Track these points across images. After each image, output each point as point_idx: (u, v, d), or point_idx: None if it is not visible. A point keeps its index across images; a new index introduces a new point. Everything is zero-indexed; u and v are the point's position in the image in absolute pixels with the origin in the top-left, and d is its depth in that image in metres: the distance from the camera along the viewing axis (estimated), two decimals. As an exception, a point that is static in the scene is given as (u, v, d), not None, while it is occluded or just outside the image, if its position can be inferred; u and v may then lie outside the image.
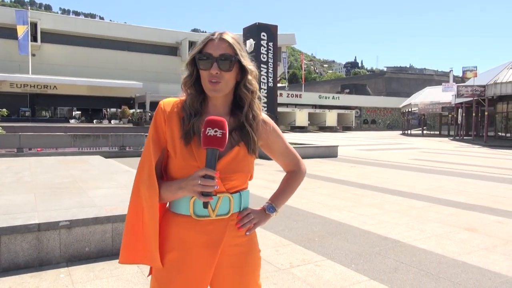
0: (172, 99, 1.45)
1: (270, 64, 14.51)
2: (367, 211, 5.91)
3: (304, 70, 71.89)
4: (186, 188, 1.29)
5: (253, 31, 14.50)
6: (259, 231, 4.83)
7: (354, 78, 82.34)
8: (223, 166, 1.35)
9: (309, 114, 46.95)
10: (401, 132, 44.26)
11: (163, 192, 1.36)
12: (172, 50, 45.78)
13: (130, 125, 29.82)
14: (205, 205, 1.30)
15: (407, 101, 43.79)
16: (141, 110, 34.78)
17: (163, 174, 1.43)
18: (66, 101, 37.31)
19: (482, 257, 3.97)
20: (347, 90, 61.49)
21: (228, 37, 1.38)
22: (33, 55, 35.25)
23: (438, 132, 41.22)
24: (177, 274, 1.37)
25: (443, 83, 37.42)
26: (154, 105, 35.92)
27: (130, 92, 36.62)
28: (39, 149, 13.04)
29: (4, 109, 16.83)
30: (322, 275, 3.45)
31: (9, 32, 35.28)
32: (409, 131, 41.15)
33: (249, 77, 1.41)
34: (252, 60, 1.45)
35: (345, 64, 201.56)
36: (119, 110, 36.68)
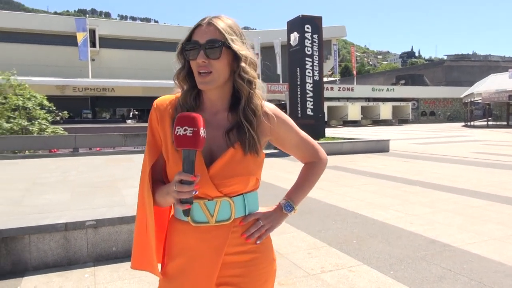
0: (167, 96, 1.32)
1: (316, 57, 14.06)
2: (416, 210, 5.42)
3: (357, 63, 69.78)
4: (170, 194, 1.14)
5: (296, 24, 14.13)
6: (292, 231, 4.59)
7: (410, 69, 78.32)
8: (217, 171, 1.20)
9: (362, 107, 45.42)
10: (463, 124, 41.43)
11: (157, 197, 1.25)
12: (221, 48, 46.36)
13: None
14: (185, 212, 1.16)
15: (469, 90, 40.86)
16: (193, 109, 35.59)
17: (164, 178, 1.30)
18: (123, 102, 39.23)
19: (549, 265, 3.41)
20: (403, 81, 58.69)
21: (218, 21, 1.20)
22: (92, 60, 37.38)
23: (505, 123, 38.03)
24: (179, 284, 1.26)
25: (509, 69, 34.43)
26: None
27: (183, 91, 37.64)
28: (98, 148, 13.67)
29: (65, 111, 17.82)
30: (355, 282, 3.13)
31: (71, 40, 37.69)
32: (472, 123, 38.34)
33: (243, 64, 1.21)
34: (247, 46, 1.25)
35: (401, 55, 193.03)
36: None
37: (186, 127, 1.08)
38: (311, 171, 1.43)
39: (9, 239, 3.38)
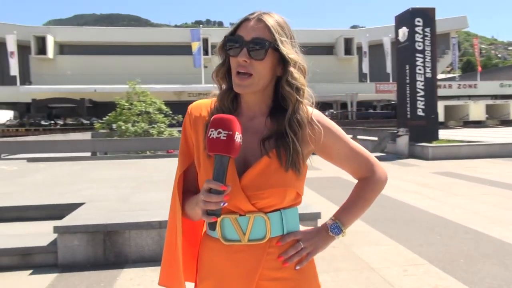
0: (202, 101, 1.23)
1: (428, 53, 12.86)
2: (547, 229, 4.53)
3: (482, 56, 62.45)
4: (198, 205, 1.04)
5: (405, 19, 13.12)
6: (388, 243, 4.20)
7: (552, 60, 67.06)
8: (250, 181, 1.07)
9: (487, 106, 40.38)
10: None
11: (187, 208, 1.16)
12: (327, 49, 45.93)
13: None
14: (211, 226, 1.06)
15: None
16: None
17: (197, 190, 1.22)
18: (230, 106, 41.59)
19: None
20: (541, 75, 50.58)
21: (268, 17, 1.08)
22: (205, 67, 40.19)
23: None
24: None
25: None
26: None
27: (287, 94, 38.34)
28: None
29: (180, 115, 19.43)
30: (457, 311, 2.71)
31: (187, 50, 41.20)
32: None
33: (291, 69, 1.08)
34: (296, 50, 1.12)
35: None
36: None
37: (220, 130, 0.97)
38: (366, 187, 1.22)
39: (113, 233, 3.74)
